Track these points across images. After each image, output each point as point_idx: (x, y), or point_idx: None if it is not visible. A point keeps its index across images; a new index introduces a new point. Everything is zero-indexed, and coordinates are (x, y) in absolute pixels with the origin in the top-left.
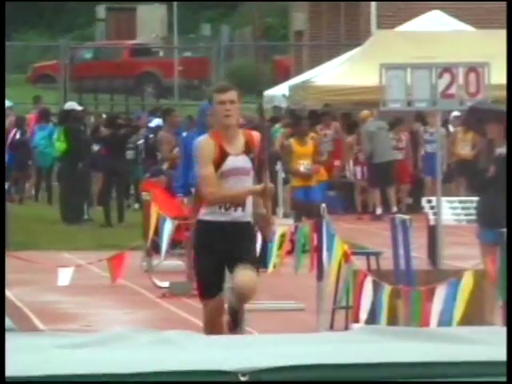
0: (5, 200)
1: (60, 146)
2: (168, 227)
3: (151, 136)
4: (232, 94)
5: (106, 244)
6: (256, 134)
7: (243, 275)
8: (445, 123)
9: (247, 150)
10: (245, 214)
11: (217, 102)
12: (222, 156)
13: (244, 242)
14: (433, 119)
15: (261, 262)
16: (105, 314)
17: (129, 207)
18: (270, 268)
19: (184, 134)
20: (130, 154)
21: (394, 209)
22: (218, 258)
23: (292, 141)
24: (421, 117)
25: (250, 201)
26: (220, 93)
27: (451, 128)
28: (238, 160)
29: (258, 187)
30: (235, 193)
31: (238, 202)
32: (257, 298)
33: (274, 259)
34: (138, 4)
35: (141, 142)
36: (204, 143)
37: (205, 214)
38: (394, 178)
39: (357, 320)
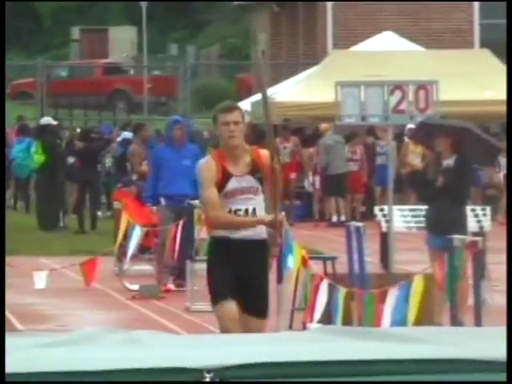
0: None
1: (38, 158)
2: (137, 233)
3: (120, 149)
4: (236, 115)
5: (80, 250)
6: (264, 153)
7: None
8: (400, 136)
9: (253, 169)
10: (256, 232)
11: (221, 122)
12: (225, 177)
13: (257, 270)
14: (382, 133)
15: None
16: (78, 314)
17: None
18: None
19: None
20: (100, 167)
21: (343, 218)
22: (232, 271)
23: None
24: (372, 131)
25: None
26: (224, 113)
27: (406, 139)
28: (242, 180)
29: (267, 218)
30: (241, 220)
31: (243, 228)
32: None
33: None
34: (109, 26)
35: (109, 156)
36: (205, 165)
37: (217, 231)
38: (346, 189)
39: (311, 320)
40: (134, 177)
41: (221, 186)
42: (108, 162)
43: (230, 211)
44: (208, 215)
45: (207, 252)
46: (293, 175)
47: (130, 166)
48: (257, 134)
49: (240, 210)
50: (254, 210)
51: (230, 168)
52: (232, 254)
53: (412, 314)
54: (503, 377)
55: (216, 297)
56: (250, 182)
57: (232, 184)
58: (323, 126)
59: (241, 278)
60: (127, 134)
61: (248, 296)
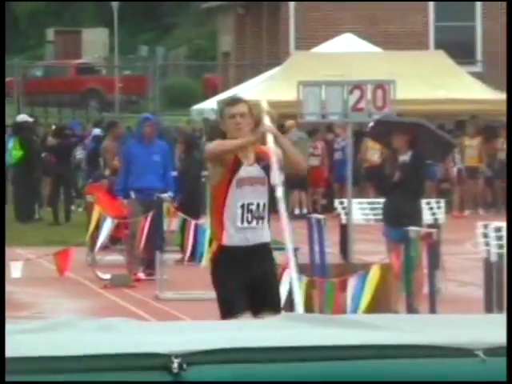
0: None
1: (16, 154)
2: (108, 225)
3: (91, 145)
4: (242, 107)
5: (54, 241)
6: (263, 146)
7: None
8: (360, 133)
9: (258, 158)
10: (264, 232)
11: (227, 115)
12: (236, 164)
13: (265, 269)
14: (339, 130)
15: (193, 256)
16: (53, 302)
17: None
18: (203, 262)
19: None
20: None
21: (305, 210)
22: (241, 282)
23: None
24: (331, 128)
25: (267, 215)
26: (230, 106)
27: None
28: (251, 170)
29: (259, 132)
30: (238, 141)
31: (243, 149)
32: (189, 289)
33: (206, 254)
34: (82, 27)
35: (80, 152)
36: (218, 141)
37: (226, 238)
38: (308, 184)
39: None
40: (107, 172)
41: (232, 171)
42: (79, 154)
43: (242, 205)
44: (210, 151)
45: (213, 261)
46: None
47: (103, 161)
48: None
49: (252, 203)
50: (264, 205)
51: (240, 156)
52: (240, 263)
53: (368, 302)
54: (457, 362)
55: (230, 312)
56: (258, 171)
57: (242, 172)
58: (289, 122)
59: (251, 284)
60: (97, 131)
61: (260, 295)
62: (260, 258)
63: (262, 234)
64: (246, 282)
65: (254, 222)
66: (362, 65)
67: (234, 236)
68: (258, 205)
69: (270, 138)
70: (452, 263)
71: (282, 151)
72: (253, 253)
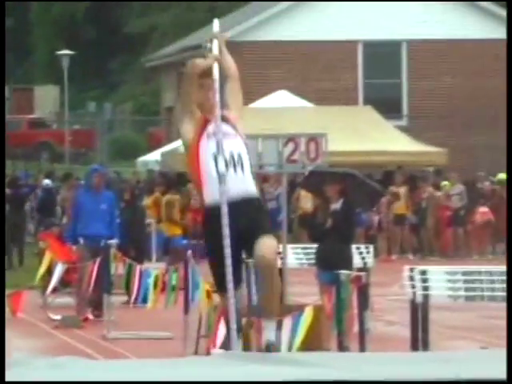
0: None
1: None
2: (59, 269)
3: (41, 194)
4: (211, 80)
5: (8, 284)
6: (228, 112)
7: (262, 245)
8: (293, 183)
9: (224, 120)
10: (245, 184)
11: (198, 84)
12: (205, 121)
13: (255, 221)
14: (272, 180)
15: (138, 298)
16: (6, 342)
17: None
18: (149, 304)
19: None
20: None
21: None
22: (232, 244)
23: (174, 196)
24: (267, 179)
25: (248, 167)
26: (201, 78)
27: None
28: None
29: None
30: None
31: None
32: (135, 329)
33: (151, 297)
34: (35, 85)
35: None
36: None
37: (208, 196)
38: None
39: (214, 346)
40: (65, 219)
41: (203, 127)
42: (27, 204)
43: (215, 156)
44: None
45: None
46: (200, 217)
47: (61, 209)
48: (167, 181)
49: (224, 151)
50: (239, 155)
51: (209, 117)
52: (230, 220)
53: (302, 340)
54: None
55: (221, 285)
56: (226, 127)
57: (211, 128)
58: None
59: (241, 236)
60: (48, 182)
61: (249, 233)
62: (243, 213)
63: (242, 186)
64: (233, 241)
65: (232, 171)
66: (295, 119)
67: (212, 193)
68: (232, 153)
69: (215, 44)
70: (380, 304)
71: (222, 57)
72: (237, 209)
